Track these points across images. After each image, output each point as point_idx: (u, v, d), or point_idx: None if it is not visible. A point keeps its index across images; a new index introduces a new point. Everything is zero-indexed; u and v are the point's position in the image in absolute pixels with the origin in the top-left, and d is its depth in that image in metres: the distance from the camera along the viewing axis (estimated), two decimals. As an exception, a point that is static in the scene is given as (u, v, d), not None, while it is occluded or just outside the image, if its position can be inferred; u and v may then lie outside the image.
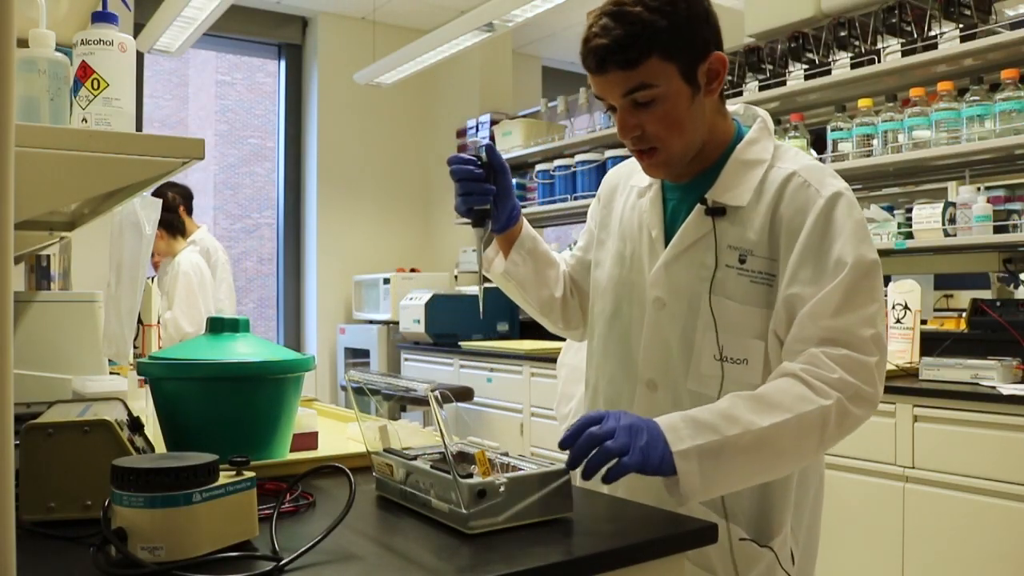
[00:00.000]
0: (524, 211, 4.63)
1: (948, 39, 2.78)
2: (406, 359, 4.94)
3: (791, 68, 3.27)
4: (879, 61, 2.97)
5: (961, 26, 2.78)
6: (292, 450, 1.32)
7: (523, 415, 3.99)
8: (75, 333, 1.87)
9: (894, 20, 2.96)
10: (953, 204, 2.83)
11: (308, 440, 1.41)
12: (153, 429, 1.26)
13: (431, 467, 1.03)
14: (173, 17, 3.87)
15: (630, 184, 1.39)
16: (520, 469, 1.03)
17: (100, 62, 1.01)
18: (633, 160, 1.33)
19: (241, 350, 1.23)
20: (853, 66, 3.04)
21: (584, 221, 1.53)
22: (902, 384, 2.48)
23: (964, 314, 2.87)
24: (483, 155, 1.30)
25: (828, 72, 3.12)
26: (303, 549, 0.85)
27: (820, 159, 3.15)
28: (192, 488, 0.82)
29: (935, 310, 3.38)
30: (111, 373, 1.92)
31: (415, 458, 1.08)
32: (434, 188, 5.84)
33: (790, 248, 1.18)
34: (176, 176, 1.11)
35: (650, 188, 1.33)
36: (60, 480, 0.98)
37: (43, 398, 1.62)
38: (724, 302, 1.21)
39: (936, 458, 2.36)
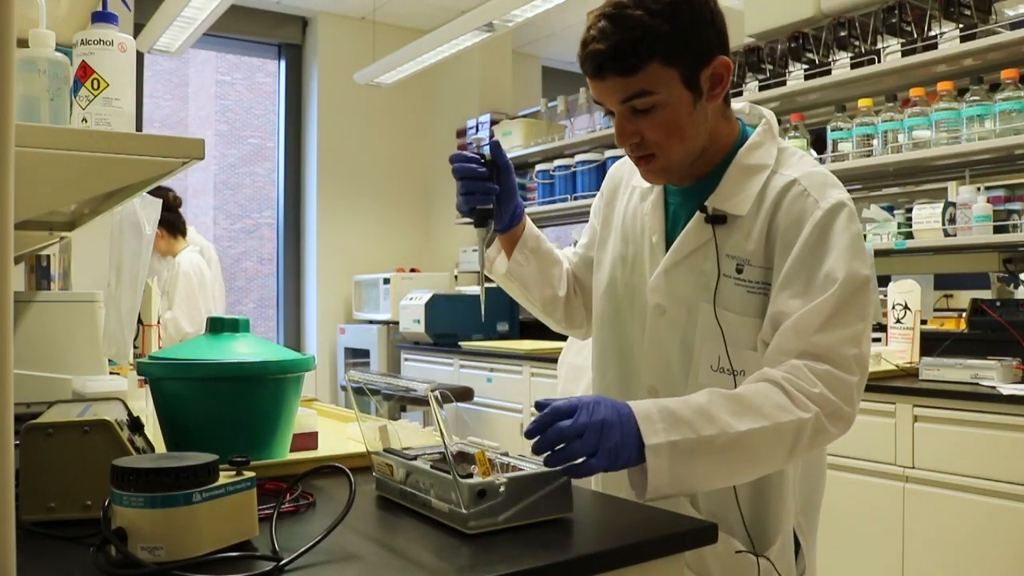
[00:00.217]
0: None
1: (948, 39, 2.78)
2: (406, 359, 4.94)
3: (791, 68, 3.27)
4: (879, 61, 2.97)
5: (961, 26, 2.78)
6: (292, 450, 1.32)
7: (523, 415, 3.99)
8: (75, 333, 1.87)
9: (894, 20, 2.96)
10: (953, 204, 2.83)
11: (308, 440, 1.41)
12: (153, 429, 1.26)
13: (431, 467, 1.03)
14: (173, 17, 3.87)
15: (632, 184, 1.37)
16: (520, 469, 1.03)
17: (100, 62, 1.01)
18: None
19: (241, 350, 1.23)
20: (853, 66, 3.04)
21: (585, 221, 1.52)
22: (902, 384, 2.48)
23: (964, 314, 2.87)
24: (486, 153, 1.28)
25: (828, 72, 3.12)
26: (303, 549, 0.85)
27: (820, 159, 3.15)
28: (192, 488, 0.82)
29: (935, 310, 3.37)
30: (111, 373, 1.92)
31: (415, 458, 1.08)
32: (434, 188, 5.84)
33: (784, 258, 1.15)
34: (176, 176, 1.10)
35: (652, 191, 1.31)
36: (60, 480, 0.98)
37: (43, 398, 1.62)
38: (722, 313, 1.19)
39: (936, 458, 2.35)
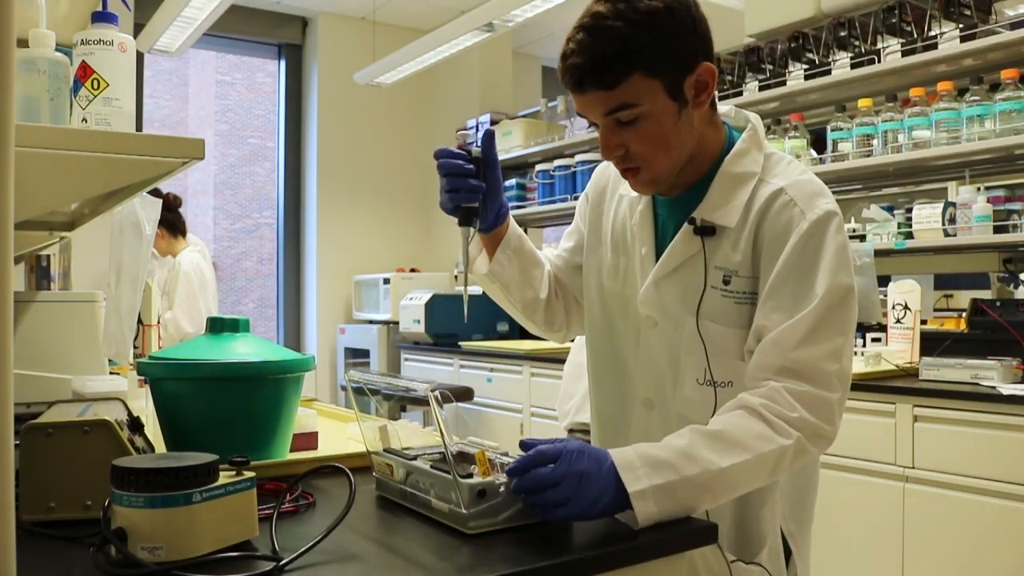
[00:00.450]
0: (524, 211, 4.67)
1: (948, 39, 2.78)
2: (406, 359, 4.94)
3: (791, 68, 3.27)
4: (879, 61, 2.97)
5: (961, 26, 2.78)
6: (292, 450, 1.32)
7: (523, 415, 3.99)
8: (75, 333, 1.87)
9: (894, 20, 2.96)
10: (953, 204, 2.83)
11: (308, 440, 1.41)
12: (153, 429, 1.26)
13: (431, 467, 1.03)
14: (173, 17, 3.87)
15: (619, 192, 1.34)
16: (520, 469, 1.02)
17: (100, 62, 1.01)
18: None
19: (241, 350, 1.23)
20: (853, 66, 3.04)
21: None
22: (902, 384, 2.48)
23: (964, 314, 2.87)
24: (473, 150, 1.24)
25: (828, 72, 3.12)
26: (303, 549, 0.85)
27: (820, 159, 3.15)
28: (192, 488, 0.82)
29: (935, 310, 3.38)
30: (111, 373, 1.92)
31: (415, 458, 1.08)
32: (434, 188, 5.80)
33: (769, 270, 1.14)
34: (176, 176, 1.10)
35: (640, 200, 1.29)
36: (60, 480, 0.98)
37: (43, 398, 1.62)
38: (709, 325, 1.18)
39: (936, 458, 2.35)
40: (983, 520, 2.25)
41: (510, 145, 4.80)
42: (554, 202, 4.51)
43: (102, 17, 1.03)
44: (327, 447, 1.42)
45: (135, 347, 1.99)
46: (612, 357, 1.33)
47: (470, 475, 0.96)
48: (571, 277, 1.42)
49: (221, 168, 6.78)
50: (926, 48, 2.84)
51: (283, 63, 5.79)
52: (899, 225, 2.98)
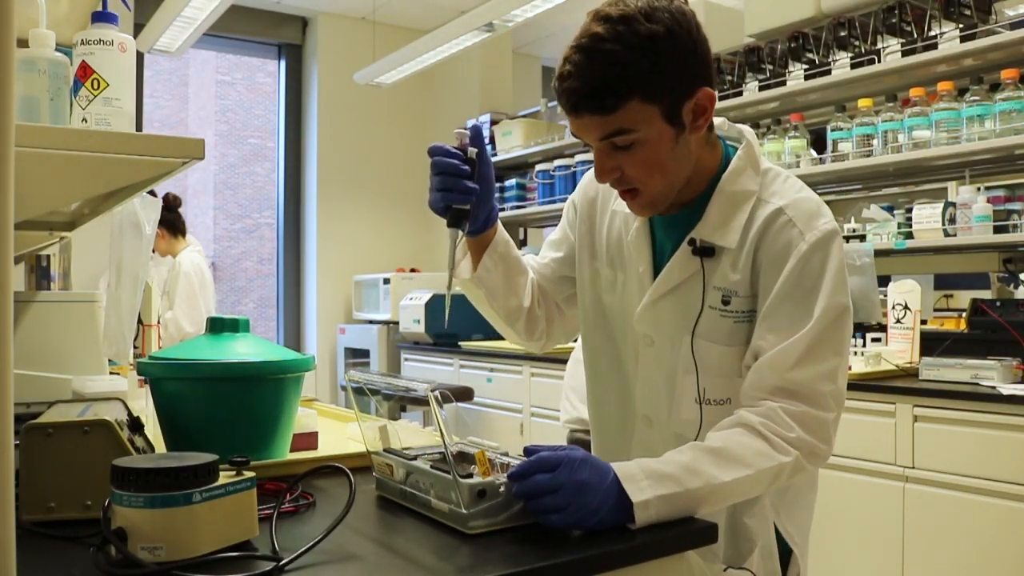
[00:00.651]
0: (524, 211, 4.67)
1: (948, 39, 2.78)
2: (406, 359, 4.94)
3: (791, 68, 3.27)
4: (879, 61, 2.97)
5: (961, 26, 2.78)
6: (292, 450, 1.32)
7: (523, 415, 3.99)
8: (75, 333, 1.87)
9: (894, 20, 2.96)
10: (953, 204, 2.83)
11: (308, 440, 1.41)
12: (153, 429, 1.26)
13: (431, 467, 1.03)
14: (173, 17, 3.87)
15: (612, 208, 1.32)
16: (520, 469, 1.03)
17: (100, 62, 1.01)
18: None
19: (241, 350, 1.23)
20: (853, 66, 3.04)
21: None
22: (902, 384, 2.48)
23: (964, 314, 2.87)
24: (470, 151, 1.21)
25: (828, 72, 3.12)
26: (303, 549, 0.85)
27: (820, 159, 3.15)
28: (192, 488, 0.82)
29: (935, 310, 3.38)
30: (111, 373, 1.92)
31: (415, 458, 1.08)
32: (434, 188, 5.82)
33: (768, 290, 1.14)
34: (176, 176, 1.10)
35: (635, 216, 1.26)
36: (60, 480, 0.98)
37: (43, 398, 1.62)
38: (706, 345, 1.18)
39: (936, 458, 2.36)
40: (983, 520, 2.25)
41: (510, 145, 4.80)
42: (554, 202, 4.50)
43: (102, 17, 1.03)
44: (327, 447, 1.42)
45: (135, 347, 1.99)
46: (613, 374, 1.32)
47: (470, 475, 0.96)
48: (558, 287, 1.39)
49: (221, 168, 6.78)
50: (926, 48, 2.84)
51: (283, 63, 5.79)
52: (899, 225, 2.98)
